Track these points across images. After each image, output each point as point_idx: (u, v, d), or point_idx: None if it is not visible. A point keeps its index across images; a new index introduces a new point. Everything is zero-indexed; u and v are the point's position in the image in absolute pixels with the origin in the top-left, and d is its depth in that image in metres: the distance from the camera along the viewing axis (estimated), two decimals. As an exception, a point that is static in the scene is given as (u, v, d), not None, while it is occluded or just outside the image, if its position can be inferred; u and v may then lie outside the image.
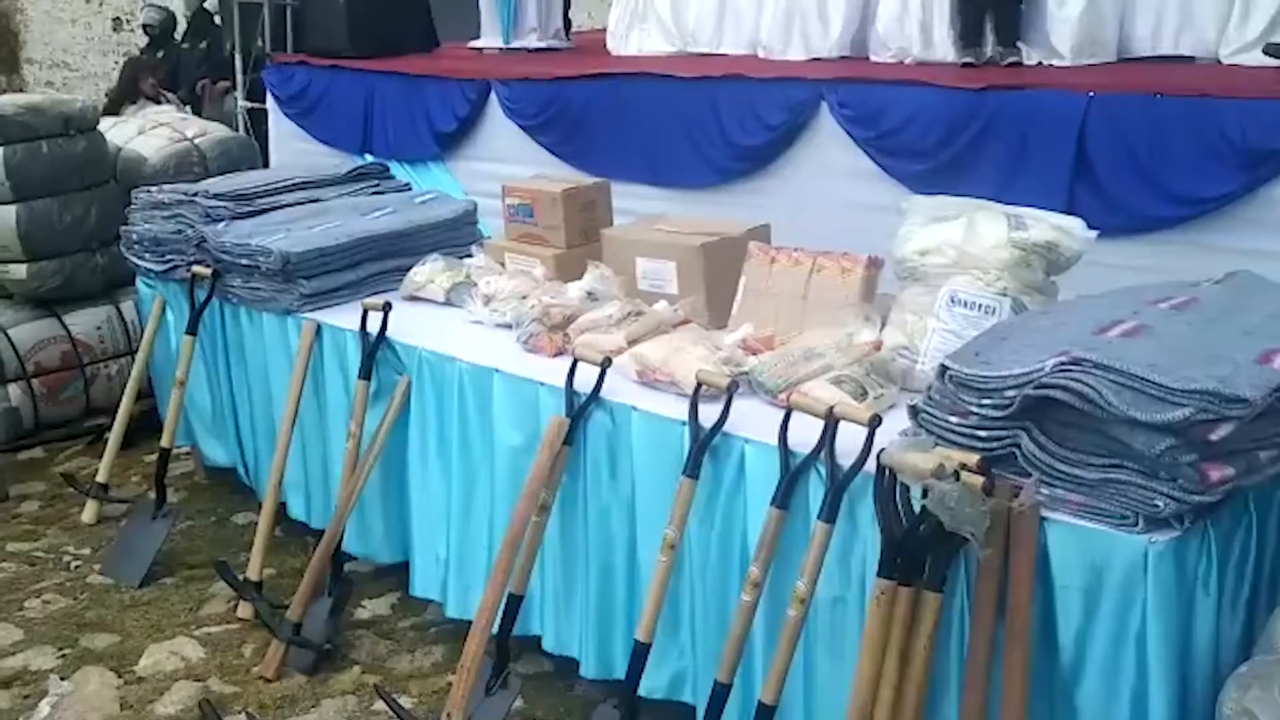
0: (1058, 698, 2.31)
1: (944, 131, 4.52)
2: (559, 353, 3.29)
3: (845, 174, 4.81)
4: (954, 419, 2.33)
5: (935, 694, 2.41)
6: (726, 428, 2.77)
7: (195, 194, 4.27)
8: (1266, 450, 2.22)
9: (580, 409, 3.02)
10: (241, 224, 4.10)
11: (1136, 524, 2.16)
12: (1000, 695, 2.25)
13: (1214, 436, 2.07)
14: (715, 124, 5.24)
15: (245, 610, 3.73)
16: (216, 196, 4.23)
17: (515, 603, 3.09)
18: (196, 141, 5.73)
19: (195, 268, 4.06)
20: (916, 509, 2.30)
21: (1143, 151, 4.08)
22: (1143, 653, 2.17)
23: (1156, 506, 2.12)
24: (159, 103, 7.90)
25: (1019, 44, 5.24)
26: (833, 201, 4.77)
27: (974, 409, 2.30)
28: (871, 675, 2.32)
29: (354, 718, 3.27)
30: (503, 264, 3.95)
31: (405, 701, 3.27)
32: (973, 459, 2.23)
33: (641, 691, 2.90)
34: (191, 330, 4.08)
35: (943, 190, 3.28)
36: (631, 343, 3.18)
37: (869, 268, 3.17)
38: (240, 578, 3.77)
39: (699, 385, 2.85)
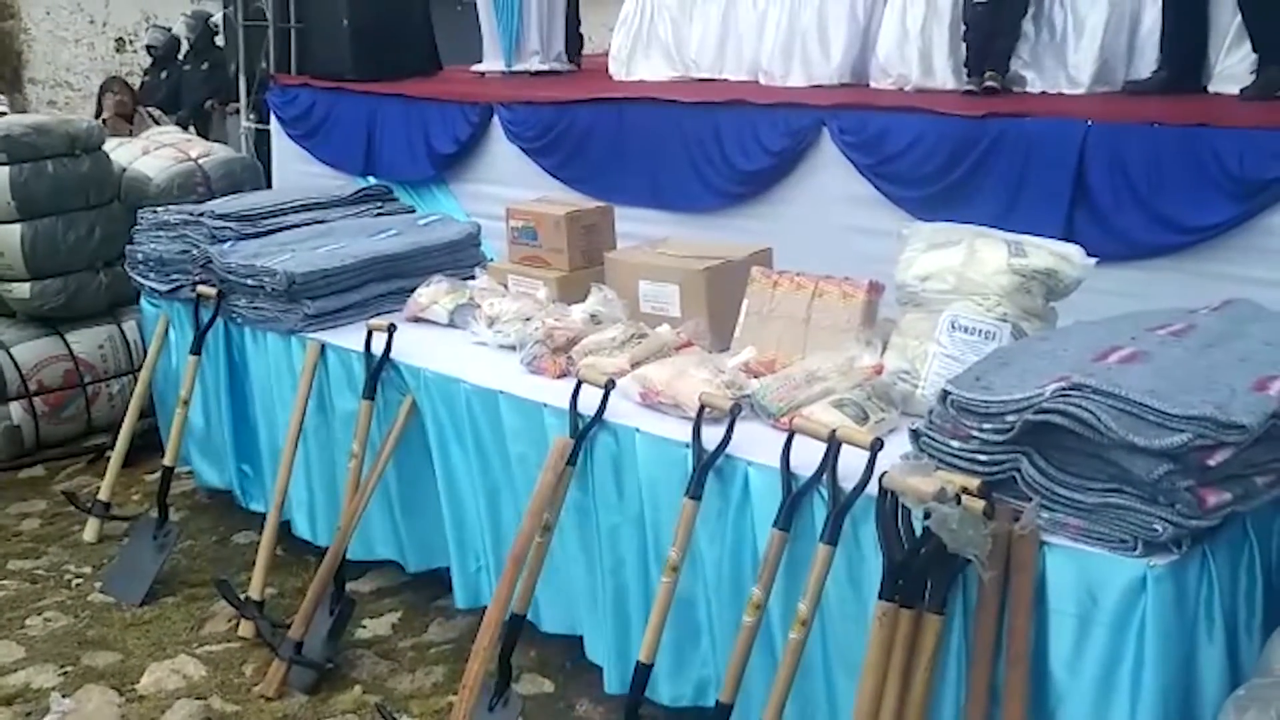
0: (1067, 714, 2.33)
1: (944, 158, 4.57)
2: (562, 374, 3.32)
3: (846, 199, 4.85)
4: (955, 443, 2.36)
5: (935, 716, 2.43)
6: (730, 450, 2.79)
7: (201, 214, 4.30)
8: (1263, 476, 2.24)
9: (584, 430, 3.05)
10: (247, 244, 4.13)
11: (1135, 548, 2.19)
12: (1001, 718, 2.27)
13: (1211, 462, 2.10)
14: (717, 149, 5.28)
15: (246, 629, 3.73)
16: (222, 217, 4.26)
17: (517, 622, 3.11)
18: (200, 162, 5.76)
19: (200, 287, 4.08)
20: (918, 532, 2.32)
21: (1141, 180, 4.12)
22: (1140, 676, 2.19)
23: (1155, 531, 2.14)
24: (130, 120, 7.96)
25: (1011, 70, 5.33)
26: (834, 226, 4.81)
27: (975, 433, 2.32)
28: (873, 697, 2.34)
29: (355, 737, 3.29)
30: (506, 286, 3.98)
31: (406, 721, 3.29)
32: (974, 483, 2.26)
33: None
34: (196, 350, 4.09)
35: (943, 216, 3.32)
36: (634, 365, 3.21)
37: (870, 292, 3.20)
38: (242, 596, 3.77)
39: (702, 407, 2.87)
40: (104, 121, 8.15)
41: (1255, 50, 4.77)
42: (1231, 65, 4.93)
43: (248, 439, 4.21)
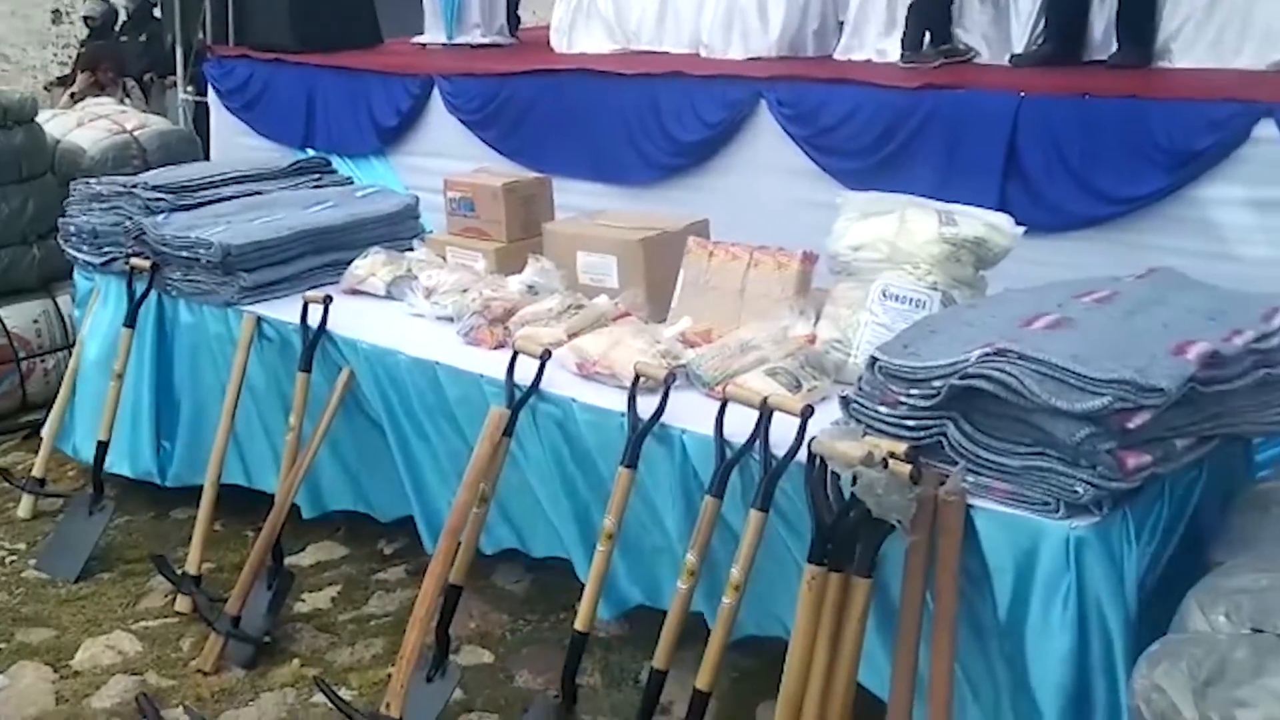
0: (997, 676, 2.39)
1: (880, 130, 4.60)
2: (500, 345, 3.32)
3: (783, 171, 4.88)
4: (883, 409, 2.39)
5: (865, 677, 2.47)
6: (666, 419, 2.82)
7: (134, 186, 4.25)
8: (1182, 439, 2.29)
9: (520, 401, 3.05)
10: (181, 216, 4.08)
11: (1058, 510, 2.23)
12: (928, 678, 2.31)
13: (1131, 425, 2.14)
14: (656, 121, 5.28)
15: (183, 604, 3.70)
16: (156, 188, 4.21)
17: (455, 593, 3.12)
18: (136, 134, 5.70)
19: (134, 260, 4.03)
20: (847, 496, 2.35)
21: (1072, 151, 4.17)
22: (1070, 634, 2.23)
23: (1077, 493, 2.19)
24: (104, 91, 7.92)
25: (960, 42, 5.40)
26: (771, 198, 4.83)
27: (902, 399, 2.35)
28: (803, 659, 2.37)
29: (293, 710, 3.26)
30: (444, 258, 3.97)
31: (345, 694, 3.27)
32: (900, 447, 2.30)
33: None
34: (130, 323, 4.04)
35: (879, 188, 3.34)
36: (571, 336, 3.22)
37: (804, 262, 3.24)
38: (179, 572, 3.75)
39: (637, 377, 2.89)
40: (71, 96, 8.08)
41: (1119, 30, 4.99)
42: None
43: (170, 416, 4.14)
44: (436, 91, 6.14)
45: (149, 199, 4.17)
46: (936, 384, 2.29)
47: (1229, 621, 1.92)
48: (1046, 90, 4.42)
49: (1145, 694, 1.80)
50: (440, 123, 6.14)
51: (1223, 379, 2.29)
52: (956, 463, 2.31)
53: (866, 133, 4.62)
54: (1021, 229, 2.93)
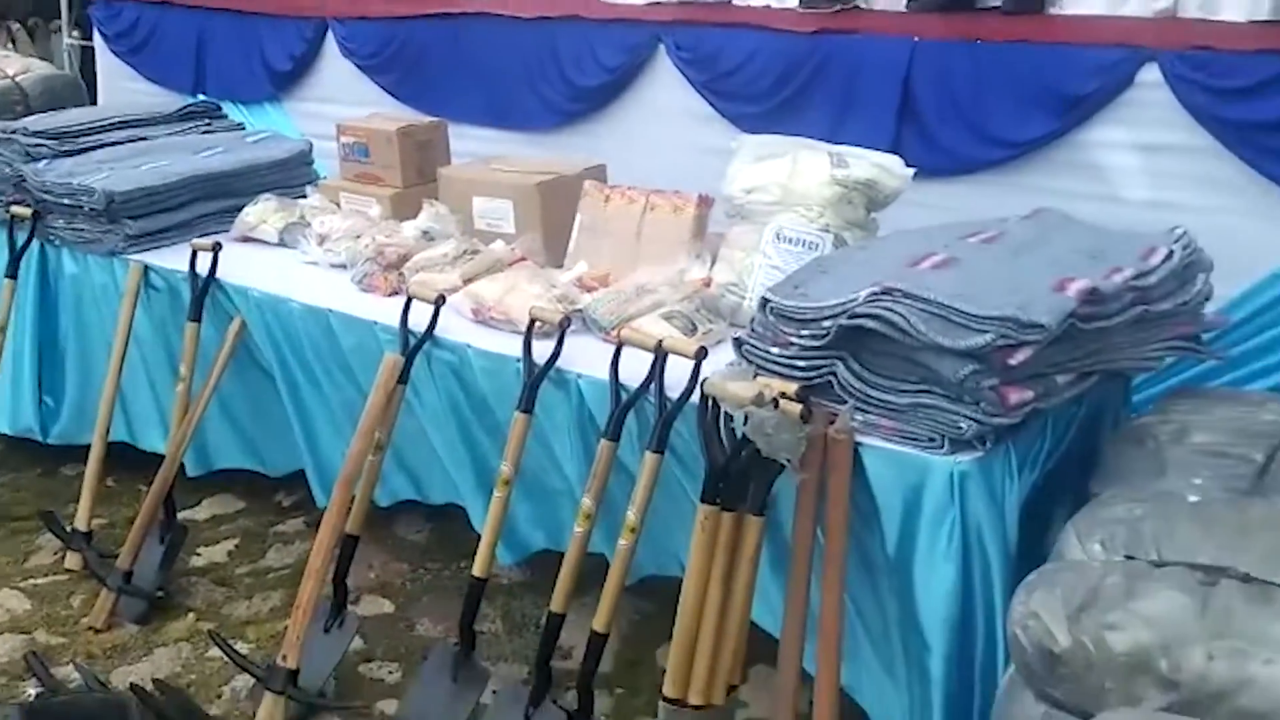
0: (886, 610, 2.44)
1: (777, 74, 4.59)
2: (394, 292, 3.29)
3: (681, 115, 4.86)
4: (775, 350, 2.41)
5: (758, 614, 2.51)
6: (563, 364, 2.81)
7: (14, 131, 4.11)
8: (1063, 375, 2.35)
9: (414, 348, 3.02)
10: (63, 162, 3.97)
11: (943, 446, 2.28)
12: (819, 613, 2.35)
13: (1013, 361, 2.18)
14: (554, 65, 5.23)
15: (73, 560, 3.63)
16: (37, 134, 4.08)
17: (351, 543, 3.10)
18: (18, 79, 5.54)
19: (14, 208, 3.91)
20: (739, 436, 2.38)
21: (964, 96, 4.21)
22: (954, 566, 2.29)
23: (960, 428, 2.23)
24: None
25: None
26: (669, 143, 4.81)
27: (793, 339, 2.38)
28: (697, 597, 2.40)
29: (188, 664, 3.22)
30: (338, 204, 3.91)
31: (242, 647, 3.23)
32: (791, 388, 2.32)
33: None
34: (12, 274, 3.92)
35: (776, 131, 3.35)
36: (467, 281, 3.20)
37: (700, 206, 3.24)
38: (68, 528, 3.67)
39: (532, 322, 2.88)
40: None
41: None
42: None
43: (54, 371, 4.03)
44: (331, 35, 6.00)
45: (29, 145, 4.04)
46: (826, 324, 2.32)
47: (1104, 550, 1.98)
48: (940, 35, 4.44)
49: (1021, 621, 1.85)
50: (335, 67, 6.01)
51: (1102, 315, 2.35)
52: (846, 401, 2.35)
53: (763, 77, 4.62)
54: (911, 170, 2.97)
